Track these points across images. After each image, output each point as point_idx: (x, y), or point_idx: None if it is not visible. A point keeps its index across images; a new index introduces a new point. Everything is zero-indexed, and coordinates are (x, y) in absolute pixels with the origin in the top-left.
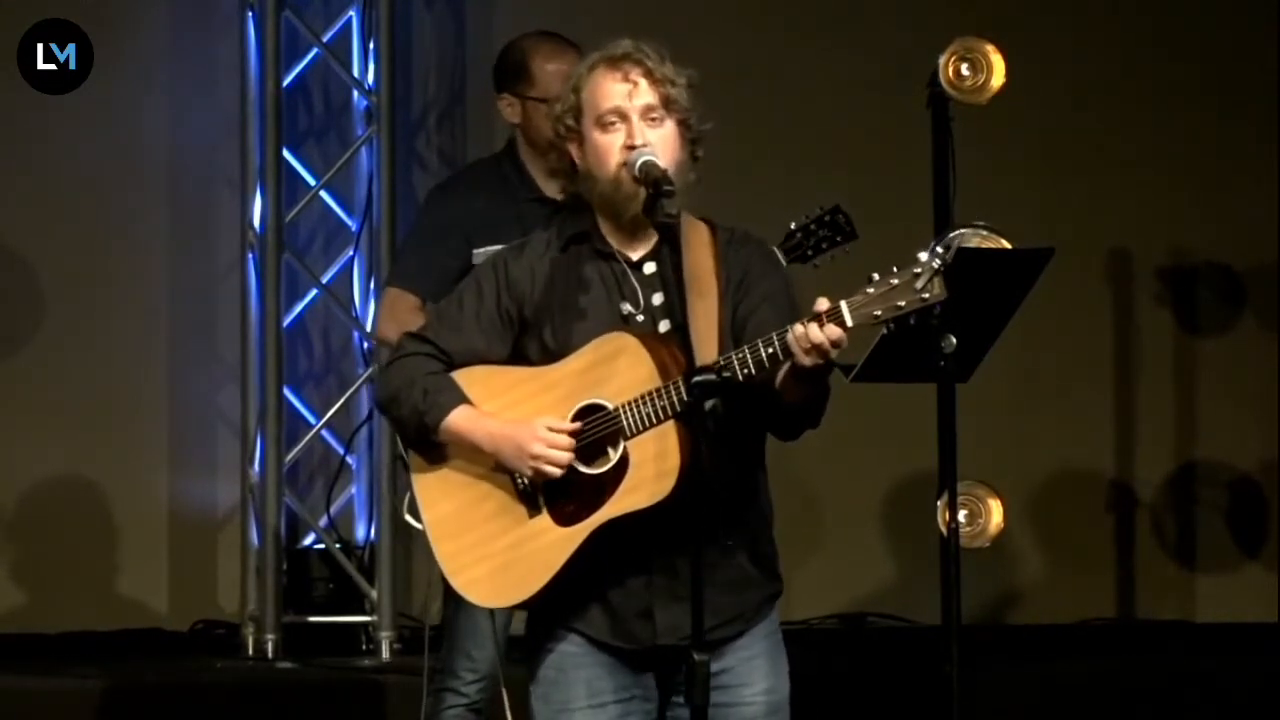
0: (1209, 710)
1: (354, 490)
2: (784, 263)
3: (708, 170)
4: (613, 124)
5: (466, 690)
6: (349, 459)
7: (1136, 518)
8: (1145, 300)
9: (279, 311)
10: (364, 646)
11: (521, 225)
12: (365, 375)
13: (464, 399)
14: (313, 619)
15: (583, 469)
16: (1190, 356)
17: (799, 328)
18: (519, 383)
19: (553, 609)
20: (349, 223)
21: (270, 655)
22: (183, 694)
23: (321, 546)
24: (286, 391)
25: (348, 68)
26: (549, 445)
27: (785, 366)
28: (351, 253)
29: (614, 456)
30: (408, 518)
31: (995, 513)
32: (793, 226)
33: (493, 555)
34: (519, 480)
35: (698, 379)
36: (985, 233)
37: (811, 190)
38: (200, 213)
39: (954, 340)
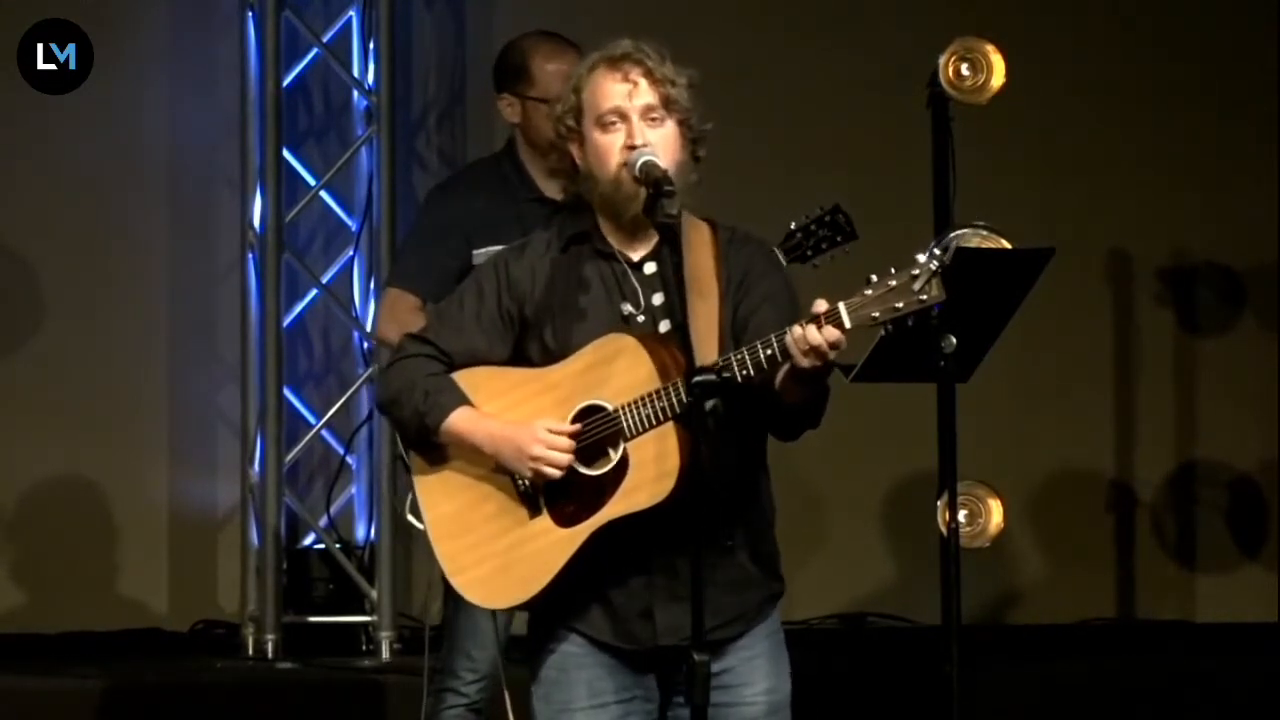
0: (1209, 710)
1: (354, 490)
2: (784, 263)
3: (708, 170)
4: (613, 124)
5: (466, 690)
6: (349, 459)
7: (1136, 518)
8: (1145, 300)
9: (279, 311)
10: (364, 646)
11: (521, 225)
12: (365, 375)
13: (464, 400)
14: (313, 619)
15: (583, 470)
16: (1190, 356)
17: (797, 329)
18: (519, 384)
19: (554, 609)
20: (349, 223)
21: (270, 655)
22: (183, 694)
23: (321, 546)
24: (286, 391)
25: (348, 68)
26: (549, 447)
27: (785, 367)
28: (351, 253)
29: (614, 458)
30: (410, 518)
31: (995, 513)
32: (793, 226)
33: (493, 556)
34: (519, 481)
35: (698, 379)
36: (985, 233)
37: (811, 190)
38: (200, 213)
39: (954, 340)
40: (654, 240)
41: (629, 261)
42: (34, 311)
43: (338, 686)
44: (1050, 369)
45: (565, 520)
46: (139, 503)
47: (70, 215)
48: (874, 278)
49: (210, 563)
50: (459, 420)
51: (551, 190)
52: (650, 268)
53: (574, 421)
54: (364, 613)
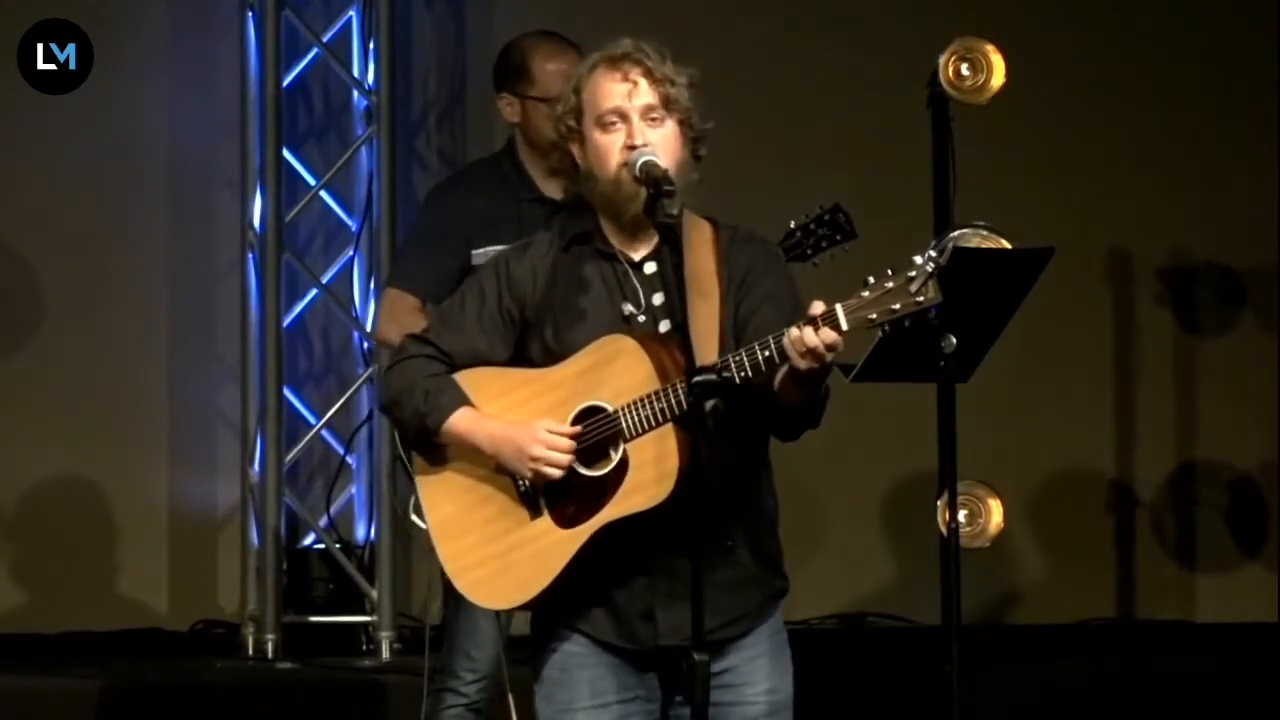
0: (1209, 710)
1: (354, 490)
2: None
3: (708, 170)
4: (613, 124)
5: (466, 690)
6: (349, 459)
7: (1136, 518)
8: (1145, 300)
9: (279, 311)
10: (364, 646)
11: (521, 225)
12: (365, 375)
13: (465, 401)
14: (313, 619)
15: (583, 471)
16: (1190, 356)
17: (794, 331)
18: (520, 384)
19: (556, 609)
20: (349, 223)
21: (270, 655)
22: (183, 694)
23: (321, 546)
24: (286, 391)
25: (348, 68)
26: (549, 447)
27: (783, 369)
28: (351, 253)
29: (614, 459)
30: (413, 518)
31: (995, 513)
32: (792, 225)
33: (495, 557)
34: (520, 482)
35: (698, 379)
36: (985, 233)
37: (811, 190)
38: (200, 213)
39: (954, 340)
40: (655, 240)
41: (630, 261)
42: (34, 311)
43: (338, 686)
44: (1050, 369)
45: (566, 521)
46: (139, 503)
47: (70, 215)
48: (871, 279)
49: (210, 563)
50: (459, 421)
51: (551, 190)
52: (651, 267)
53: (574, 422)
54: (364, 613)
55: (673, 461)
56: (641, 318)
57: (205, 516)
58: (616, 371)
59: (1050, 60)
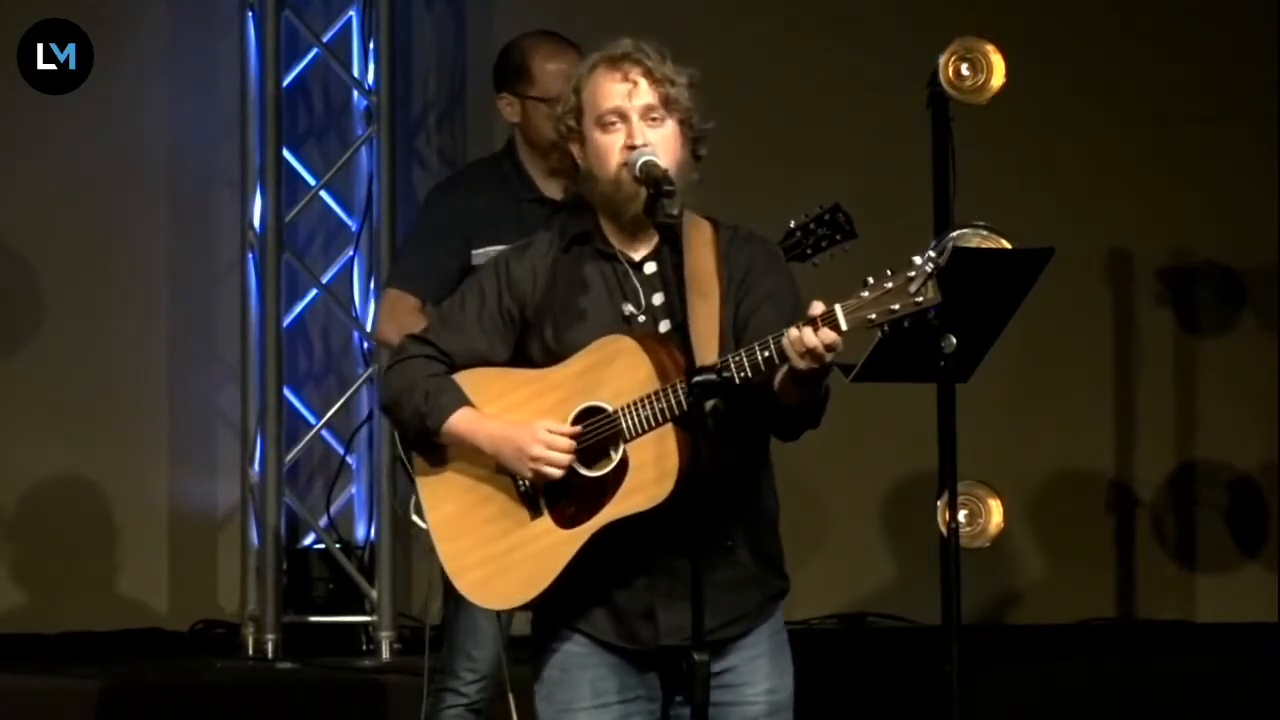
0: (1209, 710)
1: (354, 490)
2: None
3: (707, 170)
4: (613, 124)
5: (466, 690)
6: (349, 459)
7: (1136, 518)
8: (1145, 300)
9: (279, 311)
10: (364, 646)
11: (521, 225)
12: (365, 375)
13: (465, 401)
14: (313, 619)
15: (583, 471)
16: (1190, 356)
17: (793, 331)
18: (520, 385)
19: (557, 609)
20: (349, 223)
21: (270, 655)
22: (183, 694)
23: (321, 546)
24: (286, 391)
25: (348, 68)
26: (548, 447)
27: (783, 369)
28: (351, 253)
29: (614, 459)
30: (415, 518)
31: (995, 513)
32: (792, 225)
33: (496, 557)
34: (520, 483)
35: (698, 379)
36: (985, 233)
37: (811, 190)
38: (200, 213)
39: (954, 340)
40: (655, 240)
41: (630, 261)
42: (34, 311)
43: (338, 686)
44: (1050, 369)
45: (566, 521)
46: (139, 503)
47: (70, 215)
48: (870, 280)
49: (210, 563)
50: (459, 421)
51: (551, 190)
52: (651, 267)
53: (574, 423)
54: (364, 613)
55: (672, 462)
56: (642, 318)
57: (205, 516)
58: (616, 372)
59: (1050, 60)
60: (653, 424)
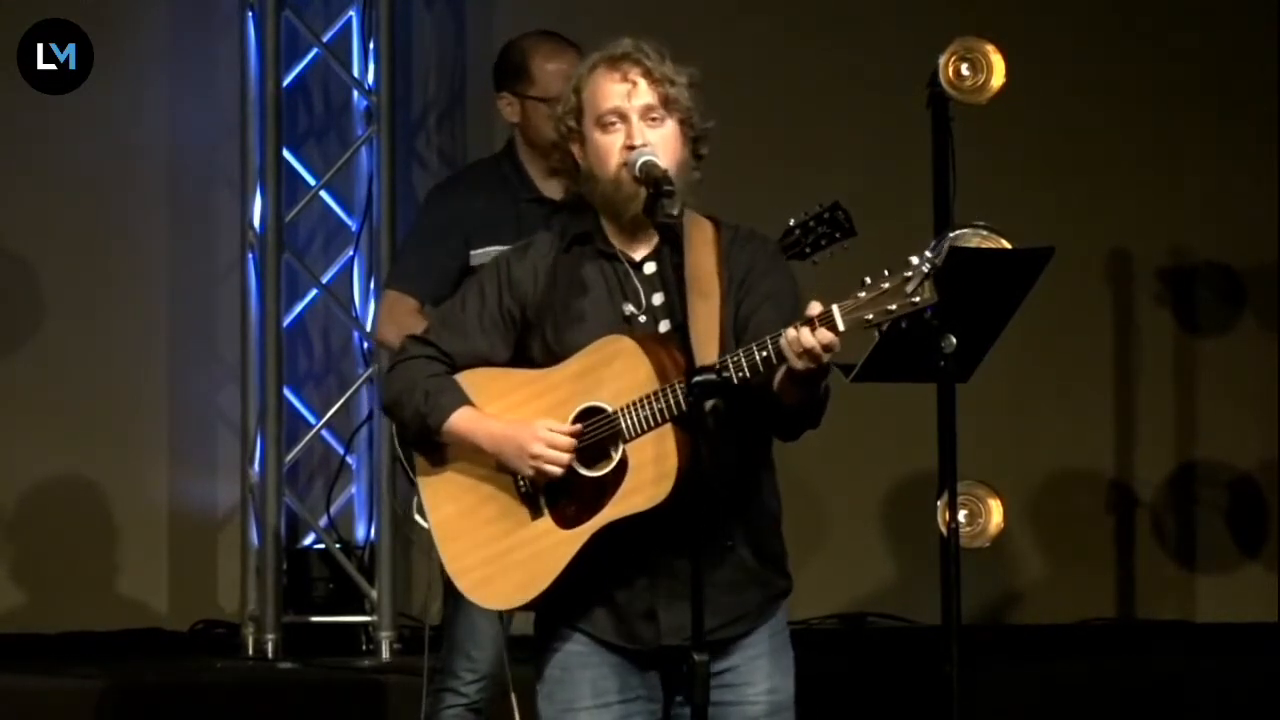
0: (1209, 710)
1: (354, 490)
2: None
3: (707, 170)
4: (612, 124)
5: (466, 690)
6: (349, 459)
7: (1136, 518)
8: (1145, 300)
9: (279, 311)
10: (364, 646)
11: (520, 225)
12: (365, 375)
13: (466, 401)
14: (313, 619)
15: (583, 471)
16: (1190, 356)
17: (791, 332)
18: (521, 385)
19: (559, 609)
20: (349, 223)
21: (270, 655)
22: (183, 694)
23: (321, 546)
24: (286, 391)
25: (348, 68)
26: (548, 445)
27: (782, 369)
28: (351, 253)
29: (614, 459)
30: (417, 517)
31: (995, 513)
32: (791, 223)
33: (497, 558)
34: (520, 483)
35: (698, 379)
36: (985, 233)
37: (811, 190)
38: (200, 213)
39: (954, 340)
40: (655, 240)
41: (631, 261)
42: (34, 311)
43: (338, 686)
44: (1050, 369)
45: (566, 522)
46: (139, 503)
47: (70, 215)
48: (868, 280)
49: (210, 563)
50: (460, 421)
51: (551, 190)
52: (651, 267)
53: (574, 423)
54: (364, 613)
55: (672, 462)
56: (642, 318)
57: (205, 516)
58: (616, 372)
59: (1050, 60)
60: (652, 424)
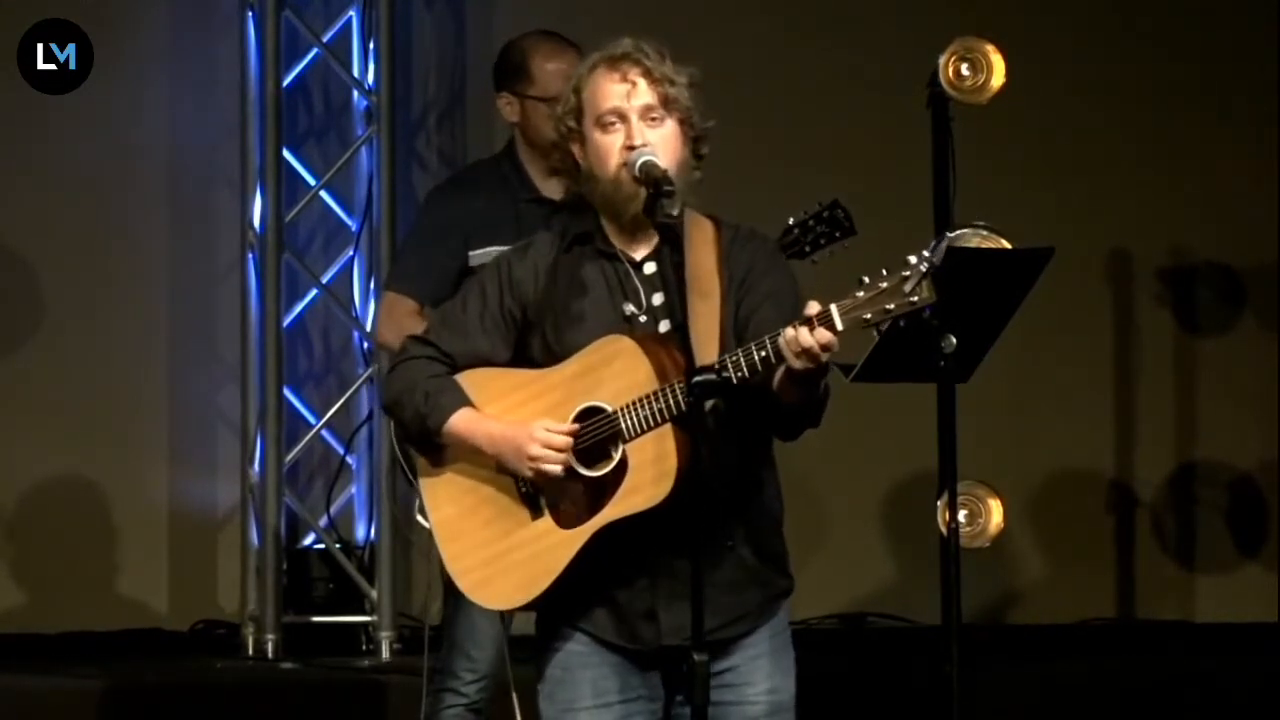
0: (1209, 710)
1: (354, 490)
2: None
3: (707, 170)
4: (612, 124)
5: (466, 690)
6: (349, 459)
7: (1136, 518)
8: (1145, 300)
9: (279, 311)
10: (364, 646)
11: (520, 226)
12: (365, 375)
13: (466, 401)
14: (313, 619)
15: (583, 471)
16: (1190, 356)
17: (789, 331)
18: (521, 385)
19: (559, 609)
20: (349, 223)
21: (270, 655)
22: (183, 694)
23: (321, 546)
24: (286, 391)
25: (348, 68)
26: (546, 445)
27: (781, 369)
28: (351, 253)
29: (614, 459)
30: (419, 517)
31: (995, 513)
32: (791, 222)
33: (497, 558)
34: (520, 483)
35: (698, 379)
36: (985, 233)
37: (811, 190)
38: (200, 213)
39: (954, 340)
40: (655, 240)
41: (631, 261)
42: (34, 311)
43: (338, 686)
44: (1050, 369)
45: (566, 522)
46: (139, 503)
47: (70, 215)
48: (866, 279)
49: (210, 563)
50: (460, 421)
51: (550, 190)
52: (651, 267)
53: (575, 423)
54: (364, 613)
55: (671, 462)
56: (643, 318)
57: (205, 516)
58: (615, 372)
59: (1050, 60)
60: (652, 424)
